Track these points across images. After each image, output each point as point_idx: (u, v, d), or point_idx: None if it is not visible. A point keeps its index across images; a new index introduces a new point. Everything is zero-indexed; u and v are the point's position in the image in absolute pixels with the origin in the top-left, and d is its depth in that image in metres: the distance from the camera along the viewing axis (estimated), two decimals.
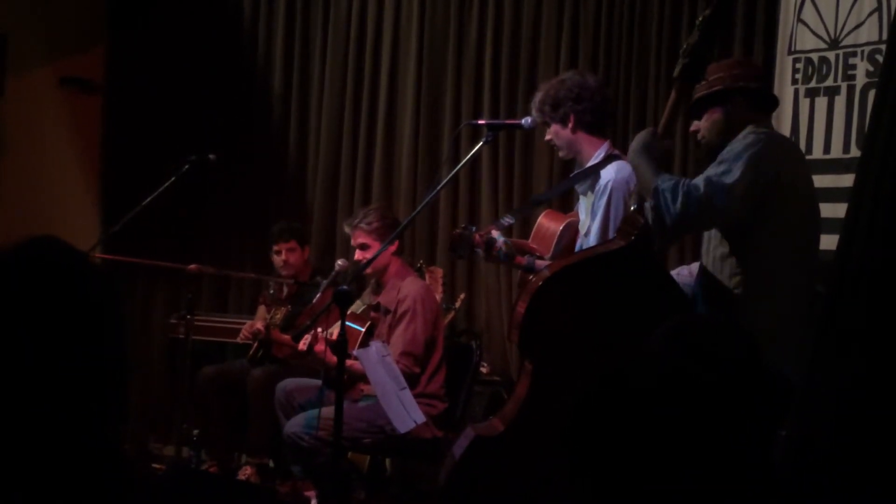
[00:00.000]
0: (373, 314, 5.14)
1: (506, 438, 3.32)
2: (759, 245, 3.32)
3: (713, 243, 3.44)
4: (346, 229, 5.18)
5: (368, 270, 4.94)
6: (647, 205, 3.29)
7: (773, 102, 3.65)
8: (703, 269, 3.50)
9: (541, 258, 3.98)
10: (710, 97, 3.42)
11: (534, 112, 4.03)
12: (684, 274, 3.73)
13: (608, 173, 3.88)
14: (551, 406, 3.24)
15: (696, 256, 4.00)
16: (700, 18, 3.24)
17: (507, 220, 4.31)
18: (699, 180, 3.22)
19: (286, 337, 5.32)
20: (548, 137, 4.06)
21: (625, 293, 3.33)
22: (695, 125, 3.51)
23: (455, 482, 3.40)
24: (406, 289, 4.98)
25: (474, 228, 4.00)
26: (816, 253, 3.53)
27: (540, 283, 3.37)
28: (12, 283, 1.43)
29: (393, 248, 4.91)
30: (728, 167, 3.22)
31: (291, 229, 5.98)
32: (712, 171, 3.27)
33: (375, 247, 4.93)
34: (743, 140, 3.30)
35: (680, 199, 3.14)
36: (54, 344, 1.41)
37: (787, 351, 3.20)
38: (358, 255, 5.06)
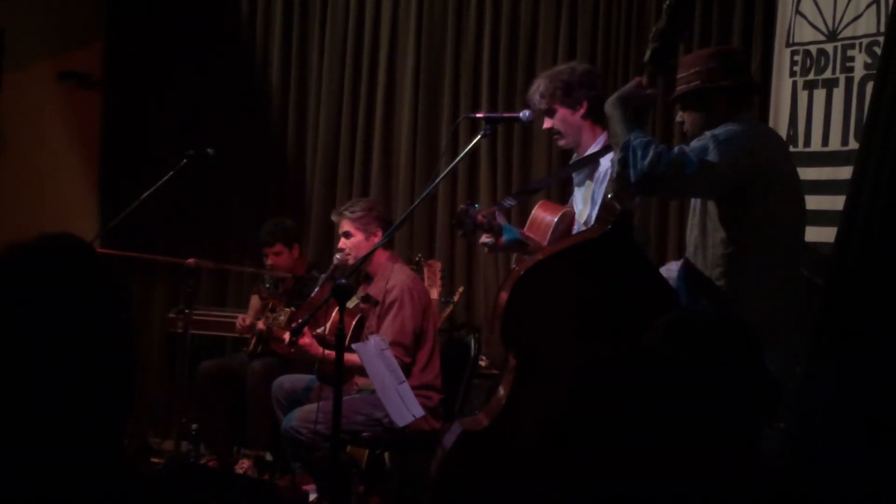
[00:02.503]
0: (362, 305, 5.15)
1: (491, 434, 3.30)
2: (741, 237, 3.29)
3: (695, 232, 3.42)
4: (334, 218, 5.24)
5: (351, 261, 4.98)
6: (613, 159, 3.25)
7: (755, 91, 3.59)
8: (686, 261, 3.47)
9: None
10: (688, 95, 3.41)
11: (536, 98, 4.01)
12: (673, 269, 3.69)
13: (608, 161, 3.87)
14: (536, 400, 3.21)
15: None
16: (667, 2, 3.21)
17: (509, 202, 4.31)
18: (676, 148, 3.20)
19: (285, 334, 5.33)
20: (549, 125, 4.03)
21: (607, 283, 3.26)
22: (679, 115, 3.49)
23: (445, 475, 3.40)
24: (394, 279, 5.01)
25: (477, 206, 4.00)
26: (801, 244, 3.50)
27: (522, 273, 3.33)
28: (26, 278, 1.44)
29: (376, 238, 4.98)
30: (707, 144, 3.20)
31: (275, 232, 5.95)
32: (692, 144, 3.25)
33: (358, 236, 5.08)
34: (725, 127, 3.28)
35: (650, 157, 3.10)
36: (65, 339, 1.41)
37: (771, 344, 3.19)
38: (342, 243, 5.14)
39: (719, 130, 3.26)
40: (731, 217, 3.30)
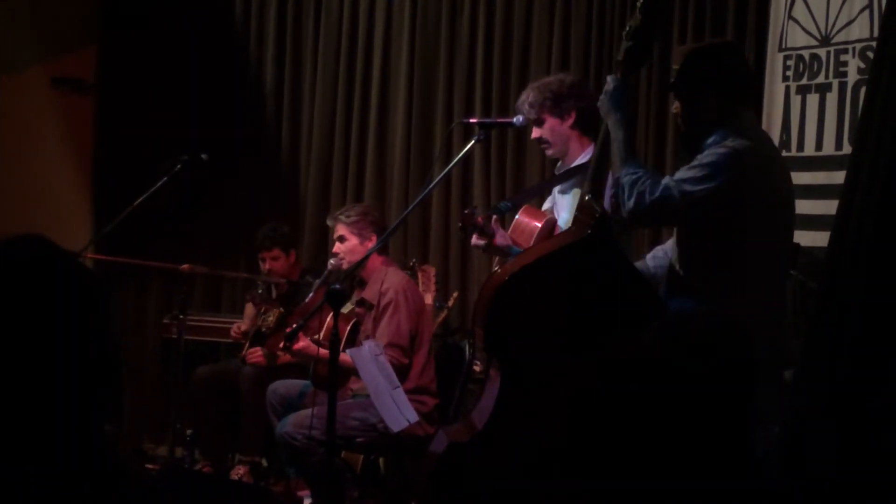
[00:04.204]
0: (357, 310, 5.15)
1: (477, 444, 3.28)
2: (726, 250, 3.23)
3: (679, 237, 3.37)
4: (329, 222, 5.26)
5: (345, 266, 4.98)
6: (611, 189, 3.26)
7: (749, 83, 3.46)
8: (670, 266, 3.43)
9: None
10: (674, 89, 3.35)
11: (525, 108, 4.01)
12: (660, 256, 3.67)
13: None
14: (522, 408, 3.20)
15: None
16: (641, 0, 3.16)
17: (505, 205, 4.31)
18: (662, 181, 3.17)
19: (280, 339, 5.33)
20: (537, 135, 4.04)
21: (589, 286, 3.23)
22: (675, 106, 3.41)
23: (435, 481, 3.40)
24: (388, 282, 5.01)
25: (478, 210, 4.00)
26: (785, 258, 3.46)
27: (504, 278, 3.28)
28: None
29: (370, 243, 4.98)
30: (694, 175, 3.15)
31: (274, 237, 5.94)
32: (679, 174, 3.22)
33: (353, 240, 5.09)
34: (714, 148, 3.19)
35: (634, 197, 3.13)
36: (40, 343, 1.40)
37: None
38: (336, 247, 5.15)
39: (707, 157, 3.18)
40: (717, 235, 3.24)
